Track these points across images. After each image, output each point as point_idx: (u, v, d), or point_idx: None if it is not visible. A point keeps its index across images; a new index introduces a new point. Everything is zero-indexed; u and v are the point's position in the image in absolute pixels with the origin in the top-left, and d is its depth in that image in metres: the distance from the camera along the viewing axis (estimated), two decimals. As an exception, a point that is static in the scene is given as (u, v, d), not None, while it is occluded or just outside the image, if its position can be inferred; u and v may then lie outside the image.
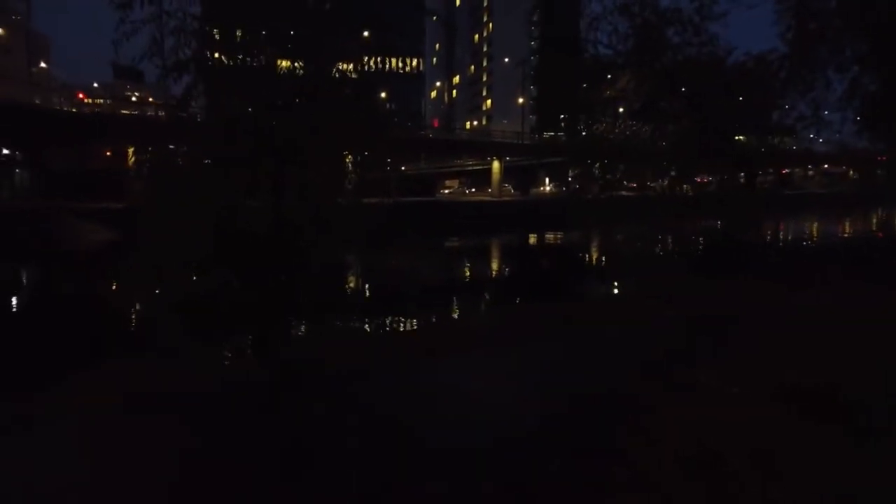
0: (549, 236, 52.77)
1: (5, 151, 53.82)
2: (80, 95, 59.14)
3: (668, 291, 11.54)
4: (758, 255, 14.77)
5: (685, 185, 14.79)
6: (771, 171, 17.34)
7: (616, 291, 20.61)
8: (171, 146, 8.10)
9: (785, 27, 11.89)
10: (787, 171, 42.40)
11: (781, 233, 43.46)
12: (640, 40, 12.08)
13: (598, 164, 16.25)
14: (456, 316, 20.36)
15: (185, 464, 4.65)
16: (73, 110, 51.34)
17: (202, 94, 7.88)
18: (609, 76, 13.20)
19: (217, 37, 7.64)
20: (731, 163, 14.34)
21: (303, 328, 9.38)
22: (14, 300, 25.26)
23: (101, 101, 55.60)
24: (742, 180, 14.54)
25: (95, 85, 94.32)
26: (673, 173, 14.59)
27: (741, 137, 14.31)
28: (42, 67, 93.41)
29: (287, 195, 7.49)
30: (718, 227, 14.80)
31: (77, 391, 6.90)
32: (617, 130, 14.30)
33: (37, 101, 50.78)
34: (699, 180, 15.55)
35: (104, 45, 6.92)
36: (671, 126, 13.48)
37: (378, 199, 8.56)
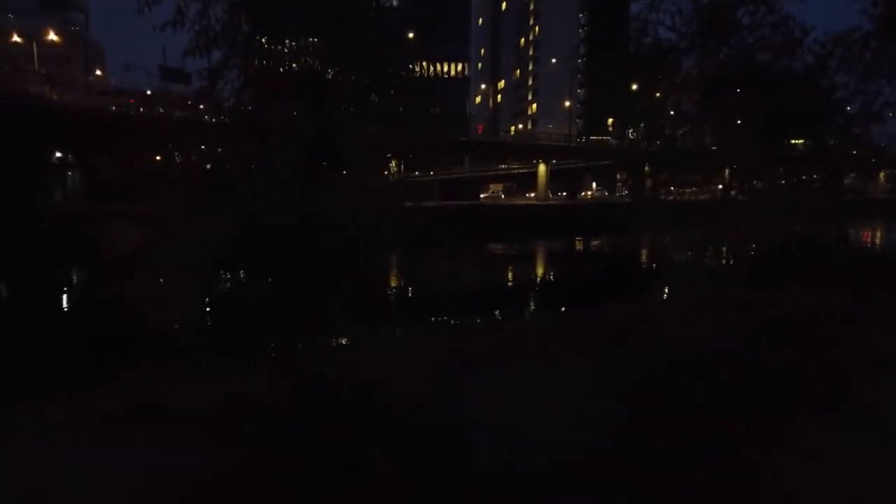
0: (599, 241, 51.62)
1: (58, 155, 55.26)
2: (132, 101, 60.20)
3: (739, 297, 10.41)
4: (835, 261, 13.41)
5: (748, 187, 13.58)
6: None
7: (682, 298, 19.39)
8: (219, 149, 7.67)
9: (871, 1, 10.64)
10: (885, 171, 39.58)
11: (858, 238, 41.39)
12: (705, 22, 10.98)
13: (650, 166, 15.14)
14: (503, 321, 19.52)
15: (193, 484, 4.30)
16: (113, 110, 51.78)
17: (233, 68, 7.19)
18: (669, 63, 12.10)
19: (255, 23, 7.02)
20: (803, 161, 13.16)
21: (334, 336, 8.71)
22: (61, 305, 27.65)
23: (147, 107, 56.17)
24: (818, 181, 13.33)
25: (149, 92, 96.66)
26: (733, 173, 13.46)
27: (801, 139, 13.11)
28: (98, 75, 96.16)
29: (318, 196, 6.84)
30: (788, 230, 13.54)
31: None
32: (677, 126, 13.16)
33: (91, 107, 51.51)
34: (765, 181, 14.29)
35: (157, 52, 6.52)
36: (738, 119, 12.32)
37: (415, 203, 7.82)
